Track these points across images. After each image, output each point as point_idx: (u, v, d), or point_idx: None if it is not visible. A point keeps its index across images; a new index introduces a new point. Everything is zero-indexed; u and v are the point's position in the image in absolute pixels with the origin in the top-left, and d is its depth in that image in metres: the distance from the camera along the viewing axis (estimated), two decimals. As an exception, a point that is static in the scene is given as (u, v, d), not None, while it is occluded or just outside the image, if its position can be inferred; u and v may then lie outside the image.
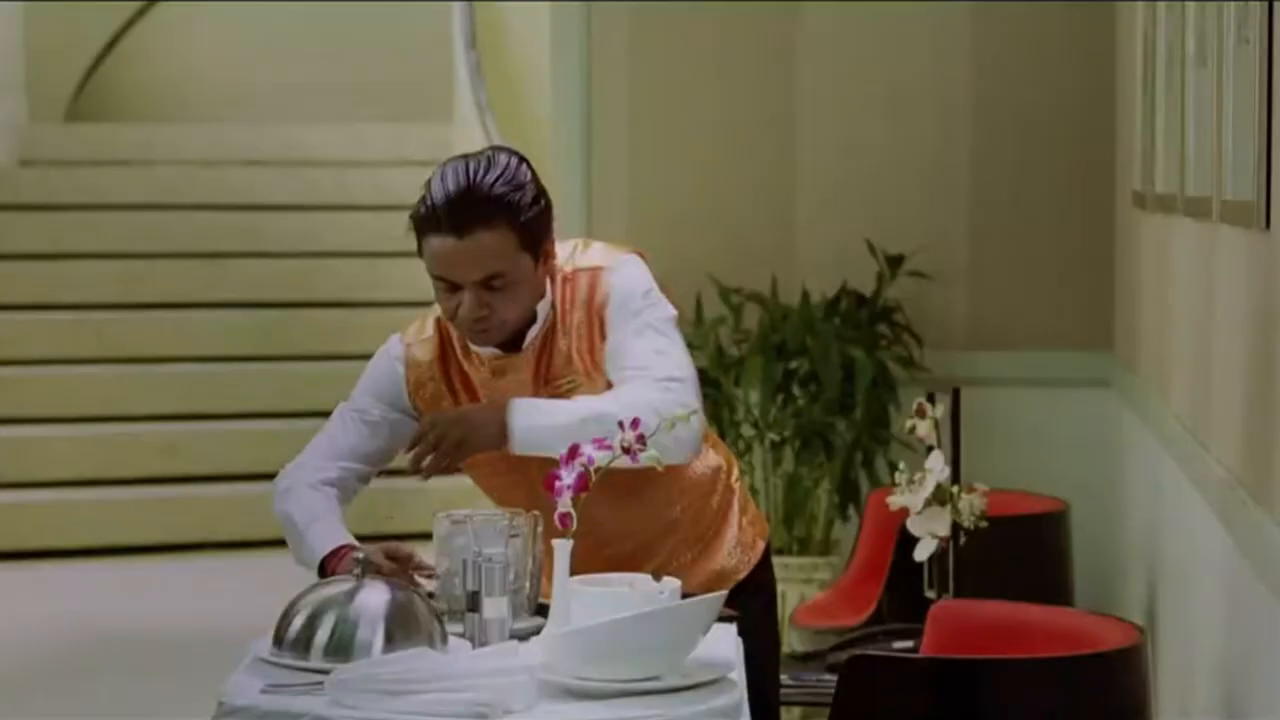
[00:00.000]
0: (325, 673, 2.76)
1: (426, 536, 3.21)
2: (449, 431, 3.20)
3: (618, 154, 6.29)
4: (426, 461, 3.20)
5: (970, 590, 4.12)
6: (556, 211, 3.42)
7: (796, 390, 6.00)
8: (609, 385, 3.32)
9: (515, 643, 2.92)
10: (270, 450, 8.58)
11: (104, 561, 7.93)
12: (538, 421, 3.21)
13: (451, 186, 3.24)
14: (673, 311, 3.39)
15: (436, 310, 3.40)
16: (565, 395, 3.31)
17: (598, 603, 2.83)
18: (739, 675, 2.89)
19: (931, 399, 4.26)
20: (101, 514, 8.15)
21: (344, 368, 8.84)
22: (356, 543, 3.26)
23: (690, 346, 3.49)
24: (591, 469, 2.87)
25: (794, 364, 6.00)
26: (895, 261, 6.13)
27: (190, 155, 10.38)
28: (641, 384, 3.26)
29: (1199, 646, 4.20)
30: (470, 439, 3.22)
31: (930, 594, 4.15)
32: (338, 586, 2.95)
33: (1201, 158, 4.12)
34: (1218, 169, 3.84)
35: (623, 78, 6.27)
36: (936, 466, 4.08)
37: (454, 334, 3.40)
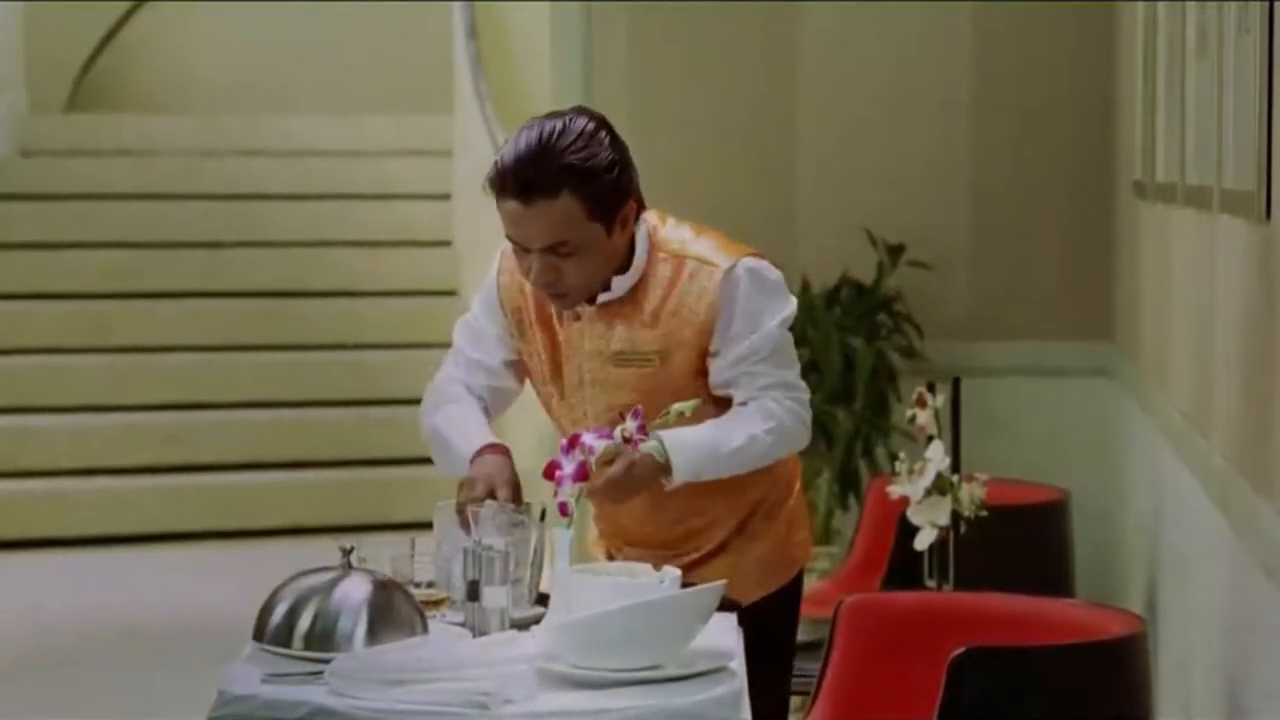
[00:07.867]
0: (322, 660, 2.76)
1: (427, 525, 3.21)
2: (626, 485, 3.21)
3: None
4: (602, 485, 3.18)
5: (970, 580, 4.12)
6: None
7: (797, 380, 6.00)
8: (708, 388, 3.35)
9: (515, 632, 2.92)
10: (270, 439, 8.65)
11: (104, 551, 7.92)
12: (692, 457, 3.26)
13: (522, 149, 3.19)
14: (790, 310, 3.46)
15: None
16: (630, 374, 3.31)
17: (598, 592, 2.83)
18: (739, 664, 2.89)
19: (932, 389, 4.27)
20: (102, 503, 8.15)
21: (344, 357, 8.99)
22: (499, 442, 3.31)
23: None
24: (592, 459, 2.86)
25: (794, 353, 5.99)
26: (896, 251, 6.12)
27: (190, 145, 10.36)
28: (770, 403, 3.40)
29: (1199, 634, 4.20)
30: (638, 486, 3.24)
31: (930, 583, 4.15)
32: (319, 577, 2.91)
33: (1202, 147, 4.12)
34: (1218, 159, 3.85)
35: (622, 76, 6.26)
36: (937, 456, 4.09)
37: None
